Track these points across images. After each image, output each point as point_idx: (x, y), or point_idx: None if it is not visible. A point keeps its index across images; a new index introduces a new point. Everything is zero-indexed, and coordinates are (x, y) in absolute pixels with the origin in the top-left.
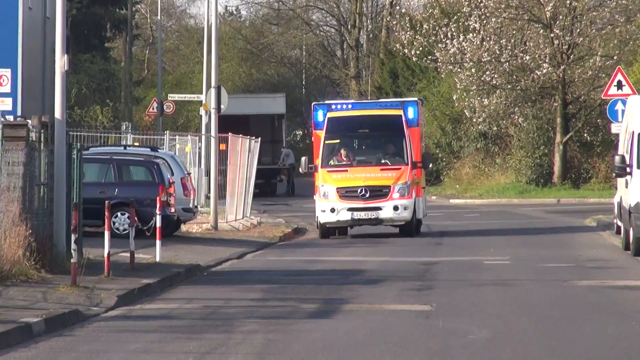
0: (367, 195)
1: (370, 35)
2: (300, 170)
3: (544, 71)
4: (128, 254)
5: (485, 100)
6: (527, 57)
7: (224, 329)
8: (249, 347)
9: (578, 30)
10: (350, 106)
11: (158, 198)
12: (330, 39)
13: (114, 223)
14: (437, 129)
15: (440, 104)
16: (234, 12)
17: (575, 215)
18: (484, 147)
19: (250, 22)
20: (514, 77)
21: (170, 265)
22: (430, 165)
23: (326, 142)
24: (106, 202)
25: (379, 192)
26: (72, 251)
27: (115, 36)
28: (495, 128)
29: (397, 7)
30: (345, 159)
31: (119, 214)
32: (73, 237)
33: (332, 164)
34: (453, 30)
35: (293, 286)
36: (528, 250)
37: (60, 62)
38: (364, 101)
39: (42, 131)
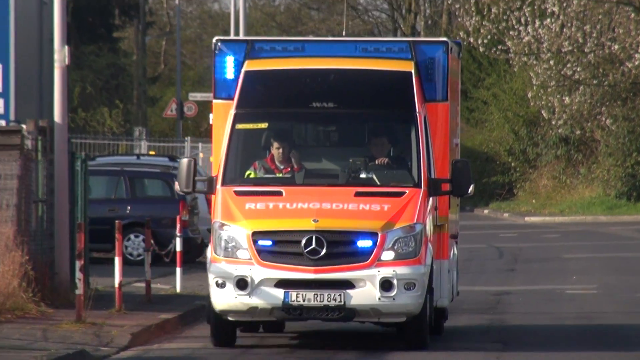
0: (322, 252)
1: (429, 22)
2: (177, 187)
3: (637, 63)
4: (143, 284)
5: (567, 98)
6: (616, 47)
7: None
8: None
9: None
10: (298, 48)
11: (178, 217)
12: (381, 25)
13: (126, 247)
14: (509, 132)
15: (512, 103)
16: None
17: None
18: (565, 154)
19: (286, 7)
20: (601, 70)
21: (193, 297)
22: (471, 190)
23: (238, 126)
24: (117, 222)
25: (350, 248)
26: (76, 281)
27: (125, 24)
28: (578, 132)
29: None
30: (280, 164)
31: (132, 236)
32: (78, 264)
33: (251, 176)
34: (527, 14)
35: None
36: (619, 278)
37: (60, 55)
38: (331, 39)
39: (39, 138)
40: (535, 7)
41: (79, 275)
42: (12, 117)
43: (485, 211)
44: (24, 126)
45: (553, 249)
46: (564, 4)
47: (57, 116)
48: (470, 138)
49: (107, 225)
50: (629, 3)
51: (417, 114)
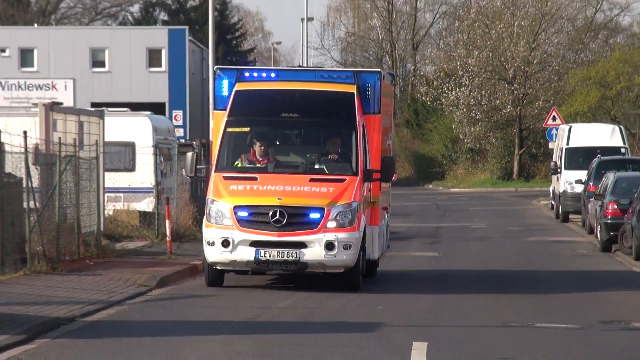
0: (284, 221)
1: (402, 89)
2: (184, 172)
3: (508, 110)
4: None
5: (472, 128)
6: (498, 102)
7: None
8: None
9: (529, 84)
10: (273, 75)
11: None
12: None
13: None
14: (442, 146)
15: (444, 130)
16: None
17: (526, 198)
18: (471, 157)
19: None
20: (490, 114)
21: None
22: (395, 177)
23: (228, 129)
24: None
25: (304, 219)
26: None
27: None
28: (478, 145)
29: (417, 72)
30: (260, 158)
31: None
32: None
33: (239, 166)
34: (452, 85)
35: None
36: (498, 219)
37: (212, 107)
38: (297, 68)
39: (202, 148)
40: (456, 81)
41: None
42: (188, 137)
43: (430, 186)
44: (194, 142)
45: (465, 205)
46: (471, 79)
47: (212, 137)
48: (422, 149)
49: None
50: (504, 79)
51: (357, 123)
